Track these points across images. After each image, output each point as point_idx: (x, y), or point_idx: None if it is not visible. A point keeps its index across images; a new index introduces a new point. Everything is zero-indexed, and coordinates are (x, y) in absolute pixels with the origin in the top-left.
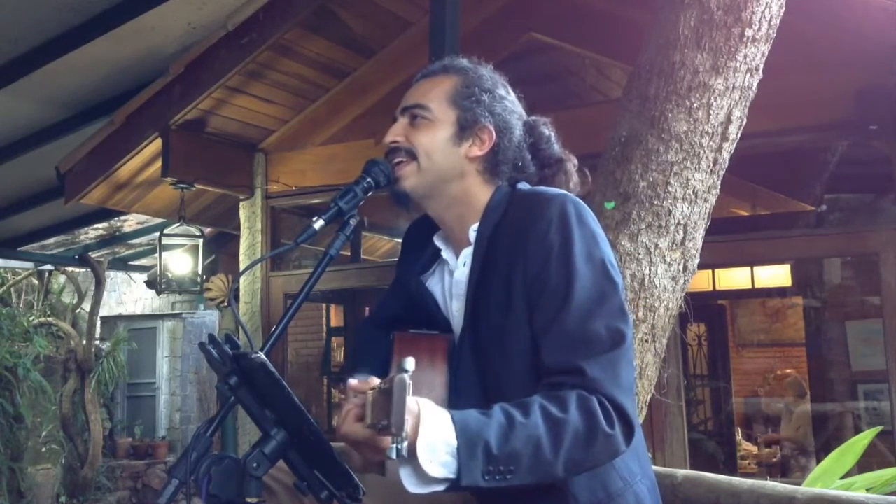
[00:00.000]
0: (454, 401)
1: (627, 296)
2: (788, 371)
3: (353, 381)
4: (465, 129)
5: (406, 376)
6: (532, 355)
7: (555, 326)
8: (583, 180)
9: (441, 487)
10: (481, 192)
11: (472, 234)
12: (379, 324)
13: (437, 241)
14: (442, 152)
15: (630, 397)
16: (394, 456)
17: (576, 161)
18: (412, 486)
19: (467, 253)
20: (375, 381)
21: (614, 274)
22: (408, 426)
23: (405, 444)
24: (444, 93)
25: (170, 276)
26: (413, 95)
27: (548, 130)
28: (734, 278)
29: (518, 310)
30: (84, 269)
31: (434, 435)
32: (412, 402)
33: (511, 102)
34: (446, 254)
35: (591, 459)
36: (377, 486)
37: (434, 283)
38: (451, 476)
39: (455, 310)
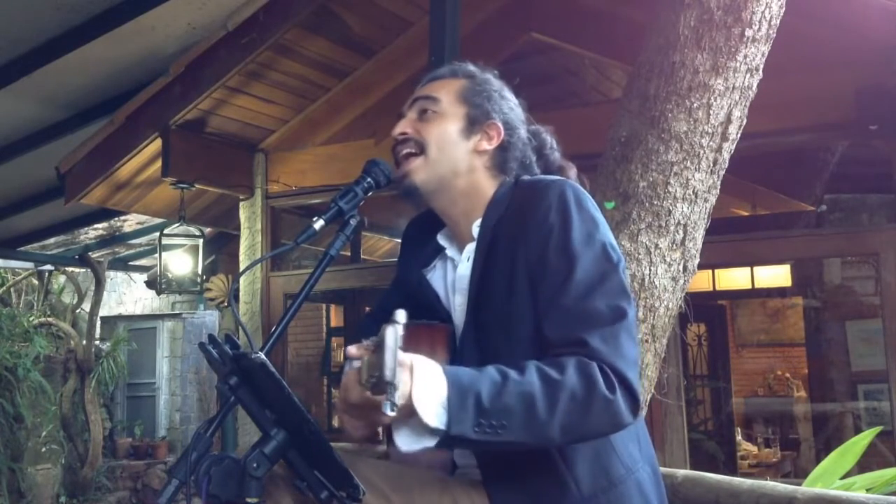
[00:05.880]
0: None
1: None
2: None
3: (351, 348)
4: (474, 123)
5: (398, 326)
6: (537, 340)
7: (556, 303)
8: (581, 183)
9: (432, 442)
10: (488, 188)
11: (476, 230)
12: (380, 319)
13: (441, 239)
14: (451, 145)
15: (633, 369)
16: (388, 411)
17: (576, 169)
18: (405, 444)
19: (471, 248)
20: (366, 343)
21: (614, 255)
22: (401, 374)
23: (398, 393)
24: (453, 90)
25: (170, 276)
26: (422, 91)
27: (550, 138)
28: (734, 278)
29: (522, 294)
30: (84, 269)
31: (425, 384)
32: (404, 355)
33: (515, 105)
34: (451, 251)
35: (589, 425)
36: (382, 472)
37: (436, 279)
38: (441, 427)
39: (458, 304)
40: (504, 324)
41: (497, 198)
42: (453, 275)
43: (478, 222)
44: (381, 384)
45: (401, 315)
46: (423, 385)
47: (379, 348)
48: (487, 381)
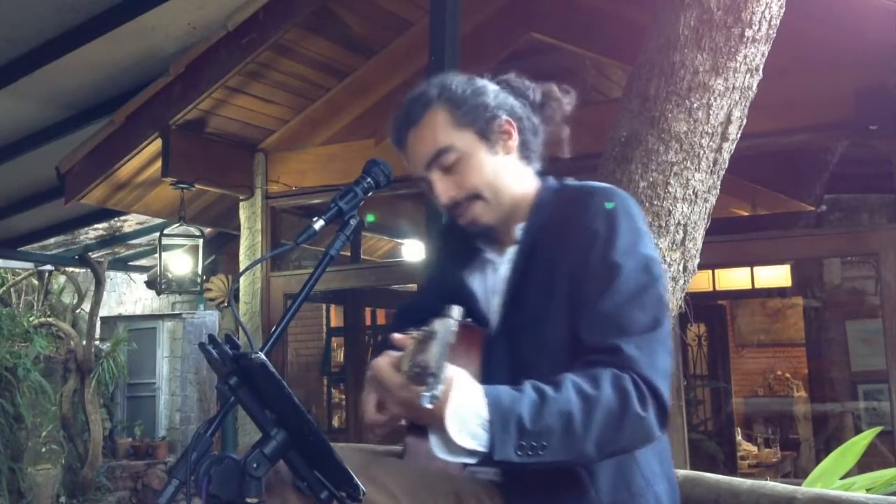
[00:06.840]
0: None
1: None
2: None
3: (397, 334)
4: (488, 134)
5: (451, 321)
6: (568, 348)
7: (594, 309)
8: (566, 94)
9: (471, 460)
10: (522, 183)
11: (519, 233)
12: (411, 318)
13: (481, 243)
14: (492, 172)
15: (665, 382)
16: (427, 403)
17: (553, 85)
18: (441, 452)
19: (513, 251)
20: (415, 333)
21: (655, 269)
22: (446, 371)
23: (440, 387)
24: (445, 125)
25: (170, 276)
26: (424, 149)
27: (518, 78)
28: (734, 278)
29: (559, 299)
30: (84, 270)
31: (465, 404)
32: (449, 366)
33: (492, 87)
34: (490, 253)
35: (622, 440)
36: (393, 474)
37: (475, 281)
38: (482, 449)
39: (496, 306)
40: (536, 328)
41: (540, 202)
42: (493, 277)
43: (520, 225)
44: (423, 375)
45: (457, 311)
46: (462, 403)
47: (428, 338)
48: (527, 401)
